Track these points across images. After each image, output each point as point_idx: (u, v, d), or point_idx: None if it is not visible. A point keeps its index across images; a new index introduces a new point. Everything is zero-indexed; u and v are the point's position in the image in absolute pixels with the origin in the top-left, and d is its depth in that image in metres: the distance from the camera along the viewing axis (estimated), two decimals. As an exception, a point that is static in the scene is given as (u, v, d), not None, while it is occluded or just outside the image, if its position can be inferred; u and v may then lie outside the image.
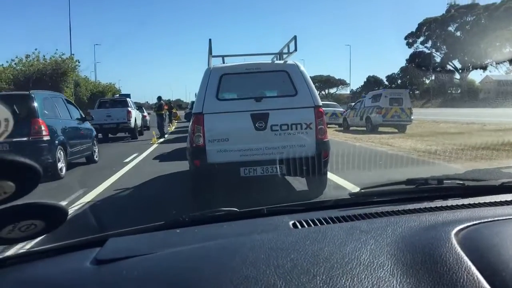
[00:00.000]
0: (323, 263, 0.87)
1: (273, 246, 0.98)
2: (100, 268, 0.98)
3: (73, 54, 28.66)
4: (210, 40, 6.50)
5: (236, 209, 1.35)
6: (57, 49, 38.54)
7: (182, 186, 6.76)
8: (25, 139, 7.85)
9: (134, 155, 11.71)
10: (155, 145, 14.65)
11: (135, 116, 18.99)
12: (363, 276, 0.82)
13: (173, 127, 24.41)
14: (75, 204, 5.95)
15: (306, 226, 1.18)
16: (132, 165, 9.78)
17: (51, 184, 7.49)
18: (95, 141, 11.10)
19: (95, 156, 10.89)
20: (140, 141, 16.59)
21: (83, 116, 10.87)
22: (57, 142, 8.51)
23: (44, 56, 25.88)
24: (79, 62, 28.17)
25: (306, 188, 6.06)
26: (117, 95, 32.09)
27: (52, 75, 24.80)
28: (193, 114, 5.57)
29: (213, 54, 6.33)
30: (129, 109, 18.40)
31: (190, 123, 5.77)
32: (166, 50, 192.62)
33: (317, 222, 1.20)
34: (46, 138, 8.17)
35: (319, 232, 1.07)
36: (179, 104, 49.64)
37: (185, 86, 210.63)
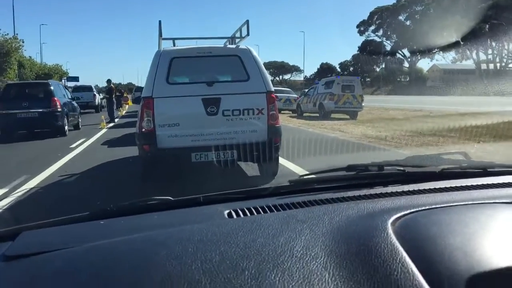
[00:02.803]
0: (254, 256, 0.82)
1: (203, 238, 0.92)
2: (8, 265, 0.89)
3: (17, 34, 27.33)
4: (160, 22, 6.31)
5: (170, 198, 1.28)
6: (0, 29, 36.54)
7: (131, 172, 6.57)
8: (47, 110, 12.53)
9: (82, 140, 11.30)
10: (104, 130, 14.20)
11: (98, 98, 28.12)
12: (295, 270, 0.77)
13: (124, 112, 23.75)
14: (15, 192, 5.64)
15: (241, 215, 1.13)
16: (78, 151, 9.40)
17: None
18: (79, 115, 15.75)
19: (80, 125, 15.34)
20: (88, 125, 16.08)
21: (72, 97, 15.83)
22: (64, 112, 13.07)
23: (-15, 35, 24.47)
24: (23, 42, 26.91)
25: (258, 173, 6.05)
26: (65, 78, 32.62)
27: (-6, 55, 23.50)
28: (142, 98, 5.42)
29: (163, 37, 6.14)
30: (94, 93, 27.89)
31: (140, 107, 5.60)
32: (117, 32, 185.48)
33: (253, 211, 1.15)
34: (59, 109, 12.74)
35: (254, 222, 1.02)
36: (130, 88, 48.15)
37: (137, 70, 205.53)
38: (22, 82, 15.87)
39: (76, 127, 14.80)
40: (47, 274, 0.84)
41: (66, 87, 16.14)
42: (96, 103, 27.25)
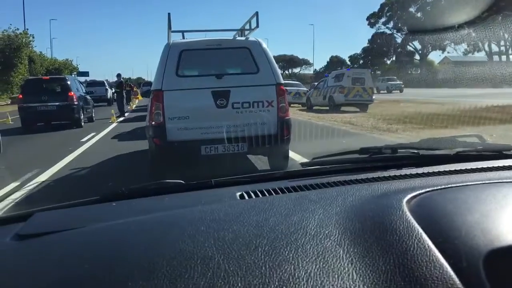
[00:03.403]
0: (267, 234, 0.81)
1: (215, 217, 0.91)
2: (21, 244, 0.89)
3: (27, 29, 27.57)
4: (169, 14, 6.28)
5: (181, 181, 1.28)
6: (10, 24, 36.91)
7: (141, 166, 6.60)
8: (64, 103, 13.52)
9: (92, 134, 11.37)
10: (114, 124, 14.30)
11: (109, 92, 29.77)
12: (308, 247, 0.76)
13: (134, 106, 23.85)
14: (27, 185, 5.70)
15: (253, 197, 1.12)
16: (89, 144, 9.47)
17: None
18: (93, 108, 16.68)
19: (93, 118, 16.20)
20: (98, 119, 16.21)
21: (86, 91, 17.04)
22: (80, 106, 14.07)
23: (-4, 30, 24.71)
24: (33, 37, 27.13)
25: (268, 167, 6.03)
26: (75, 73, 33.32)
27: (5, 50, 23.69)
28: (152, 91, 5.42)
29: (172, 29, 6.13)
30: (107, 87, 30.25)
31: (149, 100, 5.61)
32: (126, 27, 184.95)
33: (265, 192, 1.14)
34: (76, 103, 13.76)
35: (266, 202, 1.01)
36: (139, 83, 48.34)
37: (146, 64, 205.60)
38: (41, 77, 17.28)
39: (90, 119, 15.66)
40: (59, 252, 0.84)
41: (79, 81, 17.24)
42: (108, 97, 29.63)
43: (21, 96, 14.03)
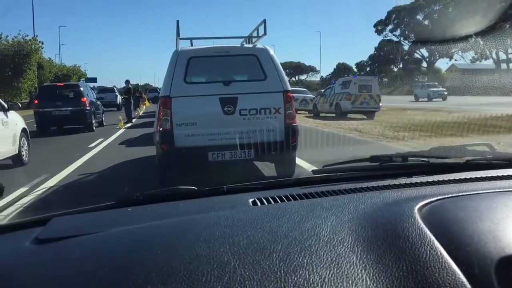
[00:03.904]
0: (281, 240, 0.83)
1: (229, 223, 0.93)
2: (40, 248, 0.91)
3: (37, 35, 27.87)
4: (177, 21, 6.33)
5: (194, 188, 1.30)
6: (20, 30, 37.36)
7: (149, 171, 6.63)
8: (77, 108, 14.21)
9: (100, 140, 11.44)
10: (122, 130, 14.37)
11: (119, 98, 30.90)
12: (322, 253, 0.78)
13: (141, 112, 23.95)
14: (35, 190, 5.75)
15: (266, 203, 1.14)
16: (97, 150, 9.53)
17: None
18: (103, 113, 17.61)
19: (103, 122, 16.93)
20: (106, 125, 16.32)
21: (97, 97, 17.92)
22: (92, 111, 14.83)
23: (6, 36, 25.01)
24: (42, 44, 27.42)
25: (275, 174, 6.04)
26: (83, 79, 34.10)
27: (14, 56, 23.96)
28: (160, 98, 5.47)
29: (181, 36, 6.18)
30: (116, 93, 31.69)
31: (157, 106, 5.65)
32: (134, 33, 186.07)
33: (277, 199, 1.16)
34: (88, 108, 14.51)
35: (279, 209, 1.03)
36: (146, 89, 48.61)
37: (154, 70, 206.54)
38: (56, 84, 18.40)
39: (100, 124, 16.35)
40: (78, 256, 0.86)
41: (91, 87, 18.50)
42: (118, 102, 31.24)
43: (36, 101, 14.74)
